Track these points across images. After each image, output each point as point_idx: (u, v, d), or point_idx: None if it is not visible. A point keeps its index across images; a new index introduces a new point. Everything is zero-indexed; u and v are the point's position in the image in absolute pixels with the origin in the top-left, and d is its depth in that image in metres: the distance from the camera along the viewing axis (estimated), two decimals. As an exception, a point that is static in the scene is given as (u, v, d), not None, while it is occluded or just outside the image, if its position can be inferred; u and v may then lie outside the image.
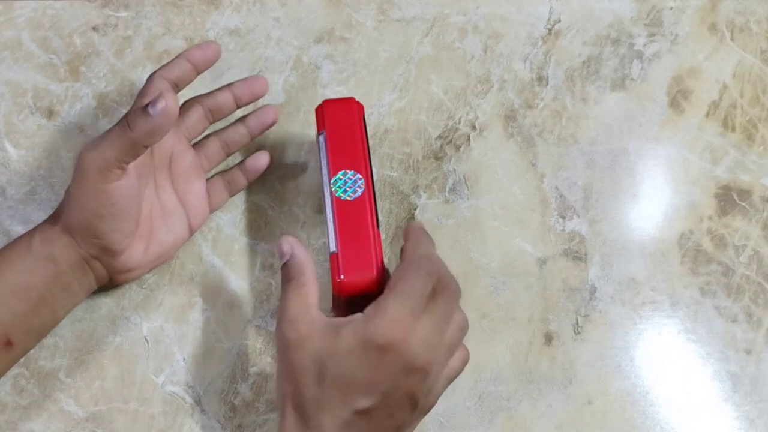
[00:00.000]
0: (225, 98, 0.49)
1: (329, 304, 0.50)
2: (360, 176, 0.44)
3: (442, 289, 0.39)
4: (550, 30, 0.58)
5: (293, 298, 0.40)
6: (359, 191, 0.44)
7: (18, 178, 0.52)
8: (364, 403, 0.37)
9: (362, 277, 0.42)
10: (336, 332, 0.38)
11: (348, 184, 0.44)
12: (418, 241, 0.42)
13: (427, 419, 0.48)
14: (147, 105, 0.40)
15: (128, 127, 0.40)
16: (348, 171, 0.44)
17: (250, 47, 0.56)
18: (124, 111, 0.53)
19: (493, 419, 0.48)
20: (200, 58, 0.47)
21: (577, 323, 0.50)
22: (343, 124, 0.46)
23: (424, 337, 0.37)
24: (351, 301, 0.44)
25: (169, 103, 0.39)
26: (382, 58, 0.57)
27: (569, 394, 0.49)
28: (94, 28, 0.56)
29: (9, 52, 0.55)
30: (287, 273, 0.41)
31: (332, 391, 0.37)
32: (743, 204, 0.54)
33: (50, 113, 0.54)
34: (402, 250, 0.42)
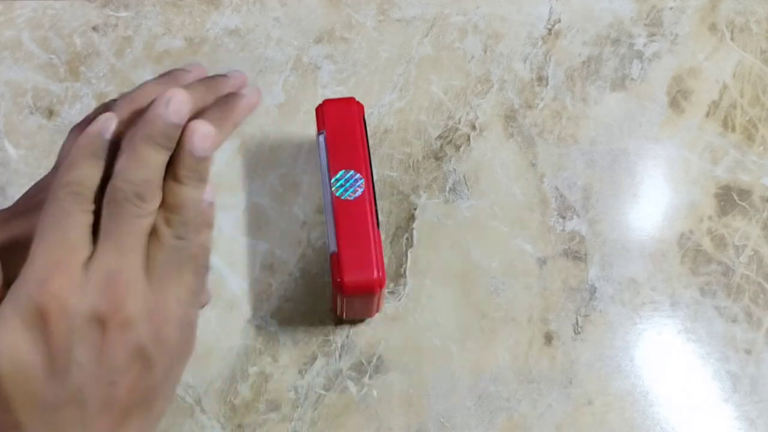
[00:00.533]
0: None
1: (329, 303, 0.50)
2: (360, 176, 0.44)
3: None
4: (550, 30, 0.58)
5: None
6: (359, 191, 0.44)
7: (18, 178, 0.52)
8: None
9: (363, 277, 0.42)
10: None
11: (348, 183, 0.44)
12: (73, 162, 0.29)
13: (428, 419, 0.47)
14: None
15: None
16: (348, 171, 0.45)
17: (250, 47, 0.56)
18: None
19: (493, 419, 0.48)
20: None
21: (577, 323, 0.50)
22: (343, 124, 0.46)
23: (96, 281, 0.27)
24: (351, 300, 0.44)
25: None
26: (382, 58, 0.57)
27: (569, 394, 0.49)
28: (94, 28, 0.56)
29: (9, 52, 0.55)
30: None
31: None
32: (743, 204, 0.54)
33: (50, 113, 0.54)
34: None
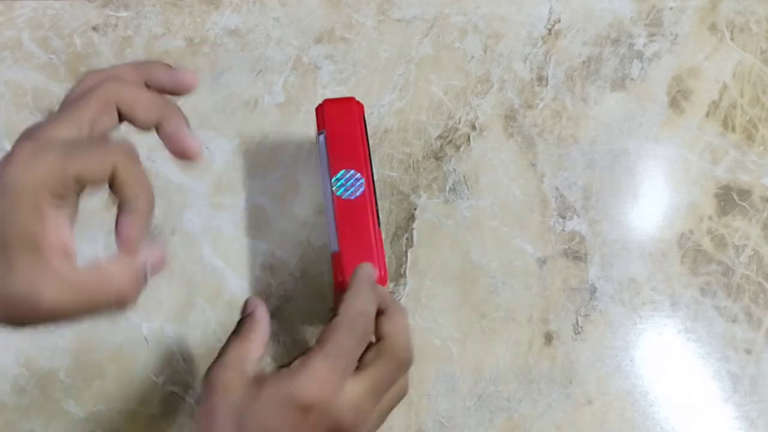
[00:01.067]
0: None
1: (330, 303, 0.50)
2: (360, 175, 0.44)
3: (391, 355, 0.37)
4: (550, 30, 0.58)
5: (234, 346, 0.38)
6: (360, 190, 0.44)
7: (18, 178, 0.52)
8: None
9: None
10: (259, 384, 0.35)
11: (349, 183, 0.44)
12: (359, 293, 0.38)
13: (428, 419, 0.48)
14: None
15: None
16: (348, 170, 0.45)
17: (250, 47, 0.56)
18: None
19: (493, 419, 0.48)
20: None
21: (577, 323, 0.50)
22: (343, 123, 0.46)
23: (352, 400, 0.35)
24: None
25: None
26: (382, 58, 0.57)
27: (569, 394, 0.49)
28: (94, 28, 0.56)
29: (9, 52, 0.55)
30: (239, 327, 0.39)
31: None
32: (743, 204, 0.54)
33: (50, 113, 0.54)
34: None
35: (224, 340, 0.49)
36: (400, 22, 0.58)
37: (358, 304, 0.37)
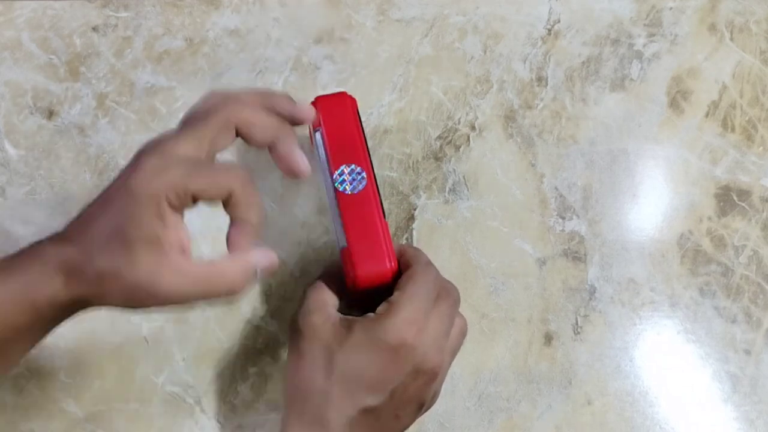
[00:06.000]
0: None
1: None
2: (361, 169, 0.44)
3: (446, 295, 0.40)
4: (549, 30, 0.58)
5: (313, 294, 0.42)
6: (362, 184, 0.44)
7: (18, 178, 0.52)
8: (371, 401, 0.37)
9: (376, 269, 0.42)
10: (348, 327, 0.38)
11: (351, 178, 0.44)
12: (418, 252, 0.42)
13: (427, 419, 0.48)
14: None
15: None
16: (349, 165, 0.44)
17: (250, 47, 0.56)
18: (124, 111, 0.53)
19: (492, 420, 0.48)
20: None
21: (577, 323, 0.50)
22: (338, 118, 0.46)
23: (433, 339, 0.38)
24: (365, 293, 0.43)
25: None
26: (382, 58, 0.57)
27: (569, 395, 0.49)
28: (94, 29, 0.56)
29: (9, 53, 0.55)
30: (316, 280, 0.43)
31: (340, 386, 0.37)
32: (743, 204, 0.54)
33: (50, 113, 0.54)
34: (402, 260, 0.43)
35: (224, 340, 0.49)
36: (399, 23, 0.58)
37: (424, 256, 0.41)
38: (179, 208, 0.35)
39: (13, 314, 0.34)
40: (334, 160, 0.44)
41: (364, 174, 0.44)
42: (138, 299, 0.34)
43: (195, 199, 0.35)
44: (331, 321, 0.39)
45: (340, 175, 0.44)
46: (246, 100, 0.38)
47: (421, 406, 0.39)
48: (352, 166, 0.44)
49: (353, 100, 0.47)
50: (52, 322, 0.37)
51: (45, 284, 0.34)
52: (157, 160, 0.35)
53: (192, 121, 0.37)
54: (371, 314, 0.39)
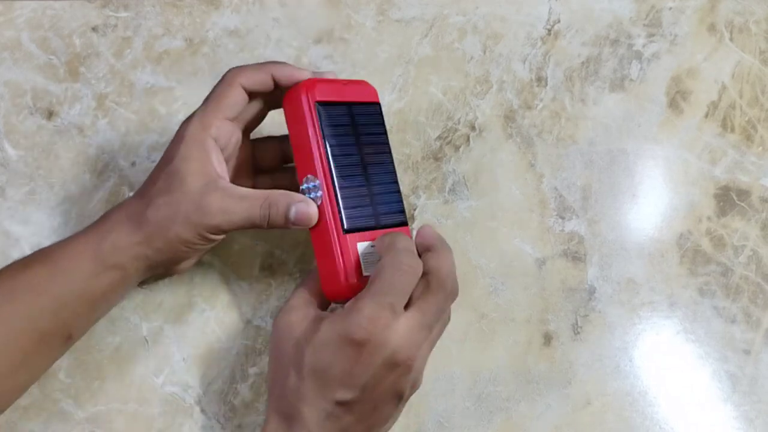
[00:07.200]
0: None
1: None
2: (315, 179, 0.41)
3: (437, 288, 0.40)
4: (549, 30, 0.58)
5: (296, 292, 0.43)
6: (318, 195, 0.42)
7: (18, 178, 0.52)
8: (343, 395, 0.38)
9: (335, 287, 0.41)
10: (317, 323, 0.39)
11: (311, 192, 0.42)
12: (395, 237, 0.41)
13: (427, 419, 0.48)
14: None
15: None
16: (309, 176, 0.42)
17: (250, 47, 0.56)
18: (124, 112, 0.53)
19: (491, 419, 0.48)
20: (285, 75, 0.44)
21: (576, 323, 0.50)
22: (295, 119, 0.42)
23: (405, 333, 0.38)
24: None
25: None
26: (382, 58, 0.57)
27: (568, 395, 0.49)
28: (94, 29, 0.56)
29: (9, 53, 0.55)
30: (305, 278, 0.44)
31: (310, 381, 0.38)
32: (742, 204, 0.54)
33: (50, 114, 0.54)
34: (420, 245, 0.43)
35: (224, 340, 0.49)
36: (399, 23, 0.58)
37: (398, 242, 0.40)
38: (223, 150, 0.43)
39: (109, 280, 0.42)
40: (299, 170, 0.42)
41: (317, 184, 0.41)
42: (192, 226, 0.40)
43: (237, 137, 0.44)
44: (308, 318, 0.40)
45: (304, 189, 0.42)
46: (247, 67, 0.44)
47: (400, 397, 0.40)
48: (309, 177, 0.42)
49: (312, 90, 0.42)
50: (123, 282, 0.43)
51: (114, 233, 0.42)
52: (198, 114, 0.42)
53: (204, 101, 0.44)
54: (340, 310, 0.39)
